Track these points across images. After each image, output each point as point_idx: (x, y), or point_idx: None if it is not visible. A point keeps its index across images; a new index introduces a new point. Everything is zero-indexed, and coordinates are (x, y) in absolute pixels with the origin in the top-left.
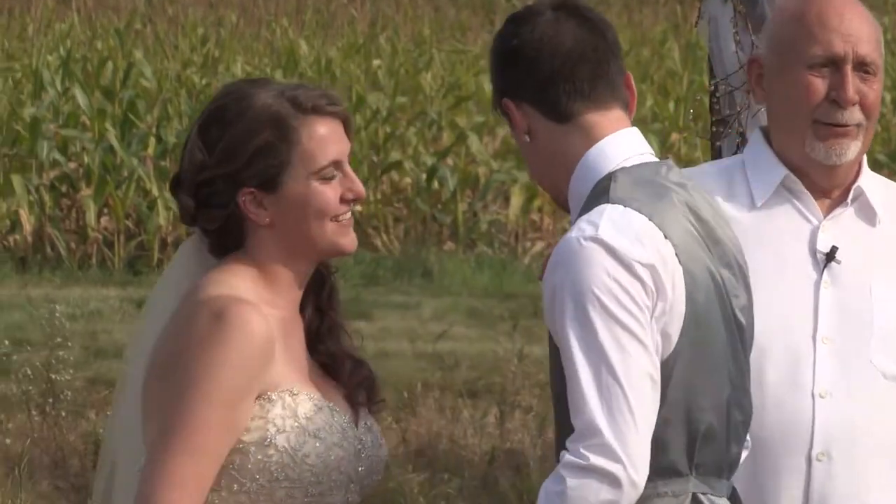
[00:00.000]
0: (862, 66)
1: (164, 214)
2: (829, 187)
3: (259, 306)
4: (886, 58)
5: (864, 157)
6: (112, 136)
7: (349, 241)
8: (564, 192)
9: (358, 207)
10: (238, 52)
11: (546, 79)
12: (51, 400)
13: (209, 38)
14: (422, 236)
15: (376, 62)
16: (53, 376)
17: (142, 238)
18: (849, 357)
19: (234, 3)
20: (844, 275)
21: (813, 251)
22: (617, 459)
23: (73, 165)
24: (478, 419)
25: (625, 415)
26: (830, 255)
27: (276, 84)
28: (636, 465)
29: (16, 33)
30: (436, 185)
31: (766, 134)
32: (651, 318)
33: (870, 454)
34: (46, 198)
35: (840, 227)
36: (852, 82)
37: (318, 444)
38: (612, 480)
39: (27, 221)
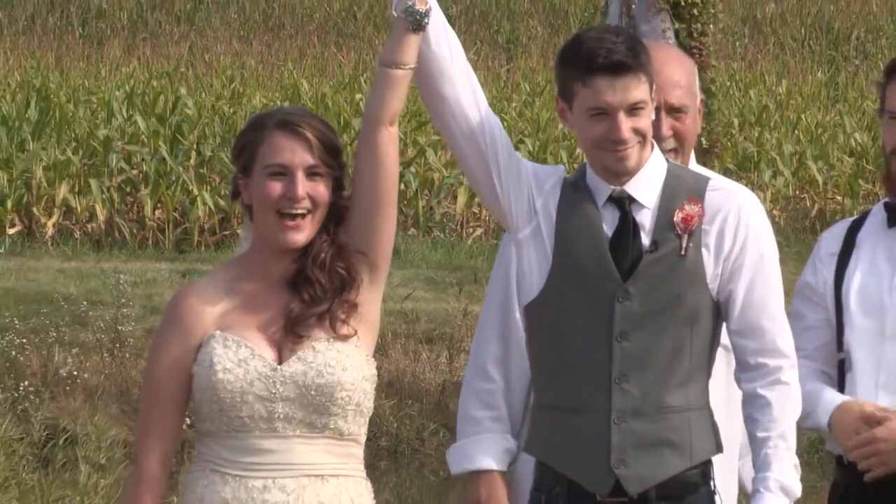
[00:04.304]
0: (673, 111)
1: (202, 208)
2: None
3: (202, 284)
4: (734, 96)
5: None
6: (164, 150)
7: (289, 237)
8: None
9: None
10: (256, 89)
11: None
12: (118, 345)
13: (235, 78)
14: None
15: (358, 96)
16: (120, 328)
17: (185, 226)
18: None
19: (253, 52)
20: None
21: None
22: None
23: (135, 172)
24: (433, 359)
25: None
26: None
27: (288, 108)
28: None
29: (93, 74)
30: (402, 186)
31: None
32: None
33: None
34: (115, 196)
35: None
36: (665, 121)
37: (206, 372)
38: None
39: (101, 213)
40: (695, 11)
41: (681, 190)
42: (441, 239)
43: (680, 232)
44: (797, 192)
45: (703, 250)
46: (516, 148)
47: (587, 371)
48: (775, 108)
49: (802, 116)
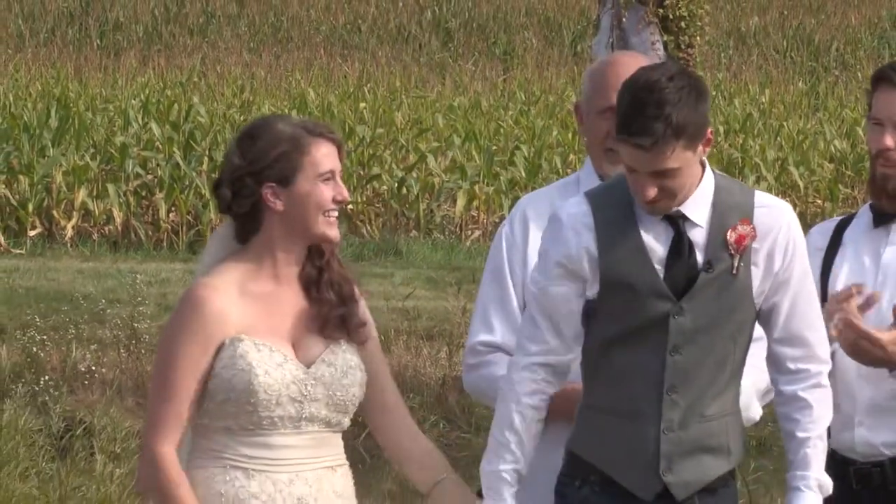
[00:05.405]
0: None
1: (215, 211)
2: None
3: (219, 287)
4: (720, 104)
5: None
6: (178, 156)
7: (333, 232)
8: None
9: (350, 206)
10: (265, 98)
11: None
12: (134, 342)
13: (245, 88)
14: (394, 227)
15: (362, 104)
16: (136, 325)
17: (198, 228)
18: None
19: (263, 63)
20: None
21: None
22: None
23: (150, 177)
24: (433, 355)
25: None
26: None
27: (287, 117)
28: None
29: (110, 84)
30: (404, 191)
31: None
32: None
33: None
34: (131, 200)
35: None
36: None
37: (244, 375)
38: None
39: (118, 216)
40: (682, 24)
41: (730, 206)
42: (441, 240)
43: (732, 252)
44: (779, 196)
45: (753, 268)
46: (512, 154)
47: (641, 381)
48: (759, 117)
49: (784, 124)
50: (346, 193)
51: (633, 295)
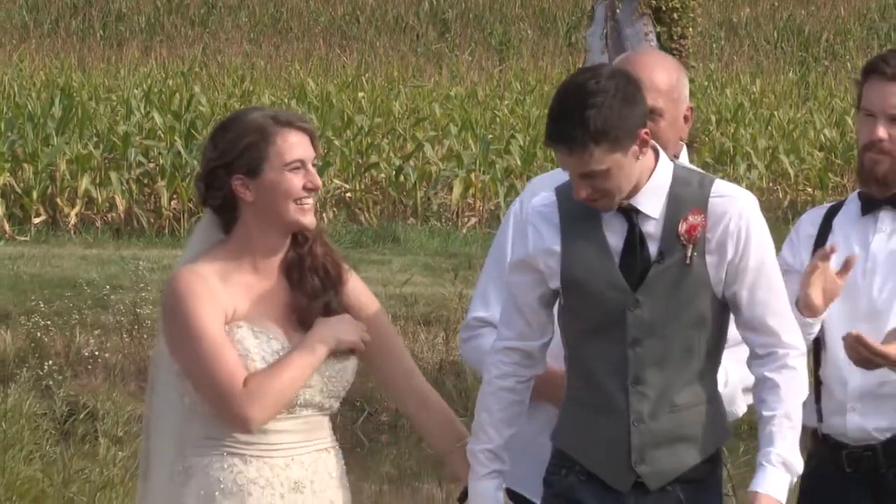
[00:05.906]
0: (650, 113)
1: None
2: None
3: (202, 274)
4: (712, 94)
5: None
6: (179, 145)
7: (308, 220)
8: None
9: (348, 194)
10: (265, 88)
11: None
12: (136, 327)
13: (246, 78)
14: (392, 214)
15: (361, 94)
16: (138, 310)
17: (199, 215)
18: None
19: (262, 54)
20: None
21: None
22: None
23: (152, 165)
24: (430, 340)
25: None
26: None
27: (265, 108)
28: None
29: (113, 74)
30: (402, 179)
31: None
32: None
33: None
34: (134, 188)
35: None
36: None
37: (244, 362)
38: None
39: (121, 204)
40: (675, 16)
41: (686, 198)
42: (438, 227)
43: (684, 242)
44: (770, 185)
45: (707, 257)
46: (508, 143)
47: (607, 375)
48: (750, 106)
49: (775, 114)
50: (317, 181)
51: (592, 289)
